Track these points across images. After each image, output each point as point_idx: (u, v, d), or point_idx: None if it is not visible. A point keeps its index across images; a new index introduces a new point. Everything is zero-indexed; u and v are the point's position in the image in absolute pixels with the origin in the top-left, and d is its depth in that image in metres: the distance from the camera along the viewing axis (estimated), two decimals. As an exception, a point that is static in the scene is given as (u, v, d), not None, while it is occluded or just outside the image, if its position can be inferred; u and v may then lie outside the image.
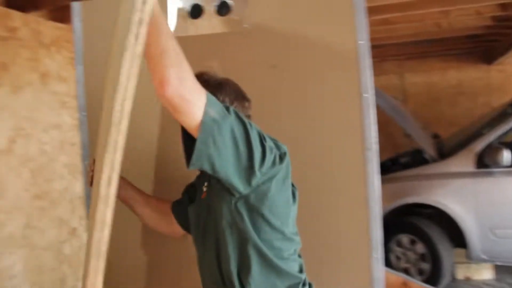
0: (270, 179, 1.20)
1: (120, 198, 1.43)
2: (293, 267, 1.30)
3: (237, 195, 1.19)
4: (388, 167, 4.47)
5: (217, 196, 1.24)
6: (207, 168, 1.10)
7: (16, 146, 2.96)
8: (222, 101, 1.21)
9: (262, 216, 1.21)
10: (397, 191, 4.05)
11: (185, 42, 1.76)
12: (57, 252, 3.27)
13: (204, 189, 1.34)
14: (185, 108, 1.02)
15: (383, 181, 4.19)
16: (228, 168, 1.11)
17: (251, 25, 1.71)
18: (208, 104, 1.05)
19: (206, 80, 1.25)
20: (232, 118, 1.10)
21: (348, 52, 1.61)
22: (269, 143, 1.19)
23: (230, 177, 1.13)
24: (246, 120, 1.15)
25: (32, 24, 3.00)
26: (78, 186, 3.33)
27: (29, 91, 3.02)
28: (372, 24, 4.24)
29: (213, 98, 1.10)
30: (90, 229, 1.06)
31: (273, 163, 1.19)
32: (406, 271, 3.95)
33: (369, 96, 1.60)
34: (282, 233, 1.26)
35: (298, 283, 1.29)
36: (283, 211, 1.27)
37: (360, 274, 1.65)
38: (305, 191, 1.69)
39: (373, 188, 1.61)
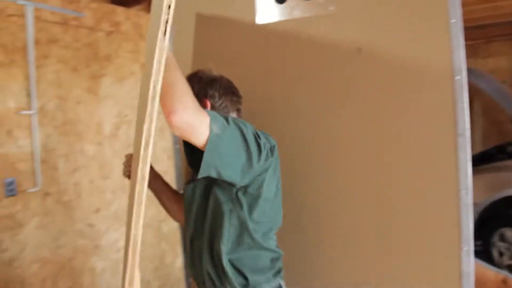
0: (265, 170, 1.36)
1: (152, 189, 1.62)
2: (273, 244, 1.48)
3: (238, 187, 1.35)
4: (492, 156, 4.14)
5: (219, 186, 1.38)
6: (213, 174, 1.26)
7: (120, 132, 3.23)
8: (211, 96, 1.44)
9: (257, 203, 1.37)
10: (501, 182, 3.73)
11: (271, 29, 1.80)
12: (156, 230, 3.53)
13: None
14: (192, 132, 1.17)
15: (487, 170, 3.92)
16: (231, 171, 1.28)
17: (336, 7, 1.68)
18: (211, 123, 1.18)
19: (199, 77, 1.47)
20: (231, 128, 1.25)
21: (439, 32, 1.51)
22: (262, 140, 1.33)
23: (233, 177, 1.29)
24: (241, 124, 1.29)
25: (133, 18, 3.23)
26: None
27: (131, 81, 3.26)
28: (475, 3, 3.92)
29: (213, 113, 1.23)
30: (127, 226, 1.16)
31: (266, 156, 1.34)
32: (510, 268, 3.66)
33: (462, 79, 1.50)
34: (269, 216, 1.43)
35: (278, 257, 1.48)
36: (273, 197, 1.43)
37: (448, 267, 1.57)
38: (392, 179, 1.65)
39: (465, 176, 1.51)
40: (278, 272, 1.49)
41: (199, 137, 1.18)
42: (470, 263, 1.54)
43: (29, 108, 2.60)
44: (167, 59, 1.11)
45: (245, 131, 1.28)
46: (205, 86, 1.45)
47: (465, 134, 1.51)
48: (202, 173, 1.24)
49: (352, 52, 1.65)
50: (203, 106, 1.40)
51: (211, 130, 1.18)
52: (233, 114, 1.51)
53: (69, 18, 2.77)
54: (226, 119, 1.25)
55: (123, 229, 3.24)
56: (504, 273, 2.39)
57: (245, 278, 1.40)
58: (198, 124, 1.17)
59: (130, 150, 3.24)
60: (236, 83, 1.57)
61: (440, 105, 1.54)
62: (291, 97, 1.81)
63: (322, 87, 1.74)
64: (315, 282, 1.80)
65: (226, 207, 1.37)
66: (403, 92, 1.60)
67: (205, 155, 1.19)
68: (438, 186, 1.57)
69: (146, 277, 3.38)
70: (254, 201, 1.37)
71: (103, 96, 3.07)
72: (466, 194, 1.52)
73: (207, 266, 1.42)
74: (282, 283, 1.50)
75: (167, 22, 1.07)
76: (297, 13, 1.77)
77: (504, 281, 2.36)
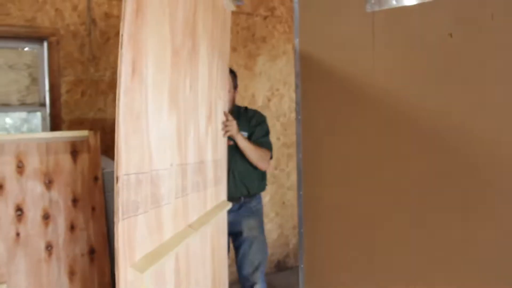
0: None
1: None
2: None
3: None
4: None
5: None
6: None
7: (271, 104, 3.70)
8: (236, 86, 2.54)
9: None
10: None
11: (377, 17, 1.95)
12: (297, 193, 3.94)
13: (231, 142, 2.31)
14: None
15: None
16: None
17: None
18: (271, 149, 2.51)
19: (234, 73, 2.52)
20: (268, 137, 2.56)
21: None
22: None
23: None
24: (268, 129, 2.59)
25: (287, 3, 3.61)
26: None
27: (283, 59, 3.68)
28: None
29: (268, 138, 2.56)
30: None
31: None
32: None
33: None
34: None
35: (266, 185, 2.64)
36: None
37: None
38: (456, 160, 1.70)
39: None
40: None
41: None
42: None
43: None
44: (246, 146, 2.34)
45: (269, 134, 2.59)
46: (235, 79, 2.49)
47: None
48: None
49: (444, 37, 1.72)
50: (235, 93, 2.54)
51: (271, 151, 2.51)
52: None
53: (231, 6, 3.29)
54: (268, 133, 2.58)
55: (270, 188, 3.73)
56: None
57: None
58: (269, 157, 2.49)
59: (280, 121, 3.71)
60: (342, 66, 1.82)
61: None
62: (393, 80, 1.96)
63: (419, 72, 1.85)
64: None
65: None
66: (485, 78, 1.62)
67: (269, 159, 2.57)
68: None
69: (285, 232, 3.84)
70: None
71: (257, 72, 3.57)
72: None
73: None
74: None
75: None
76: (398, 3, 1.90)
77: None
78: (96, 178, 1.79)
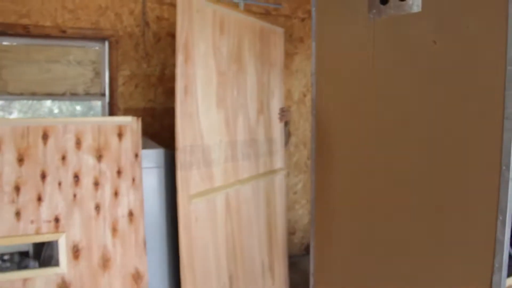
0: None
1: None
2: None
3: None
4: None
5: None
6: None
7: (307, 99, 4.00)
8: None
9: None
10: None
11: (377, 25, 2.21)
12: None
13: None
14: None
15: None
16: None
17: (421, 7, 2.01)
18: None
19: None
20: None
21: (497, 30, 1.71)
22: None
23: None
24: None
25: (325, 6, 3.88)
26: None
27: (319, 58, 3.97)
28: None
29: None
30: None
31: None
32: None
33: (514, 68, 1.67)
34: None
35: None
36: None
37: (485, 234, 1.78)
38: (438, 152, 1.94)
39: (507, 155, 1.70)
40: None
41: None
42: (504, 232, 1.74)
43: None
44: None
45: None
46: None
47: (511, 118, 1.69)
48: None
49: (429, 44, 1.96)
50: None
51: None
52: None
53: (270, 9, 3.63)
54: None
55: (302, 176, 4.06)
56: None
57: None
58: None
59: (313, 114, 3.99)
60: (349, 65, 2.14)
61: (493, 91, 1.75)
62: (388, 78, 2.22)
63: (405, 76, 2.10)
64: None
65: None
66: (463, 79, 1.84)
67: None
68: (481, 160, 1.79)
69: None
70: None
71: (294, 70, 3.88)
72: (506, 170, 1.71)
73: None
74: None
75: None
76: (394, 12, 2.15)
77: None
78: (136, 155, 2.21)
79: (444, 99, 1.95)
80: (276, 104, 3.00)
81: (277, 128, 3.02)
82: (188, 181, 2.18)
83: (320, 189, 2.65)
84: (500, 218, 1.74)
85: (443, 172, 1.96)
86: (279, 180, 3.05)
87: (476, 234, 1.83)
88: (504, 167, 1.73)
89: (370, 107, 2.29)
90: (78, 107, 3.59)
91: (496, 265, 1.76)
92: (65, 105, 3.47)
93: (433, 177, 2.00)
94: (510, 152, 1.71)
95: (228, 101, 2.51)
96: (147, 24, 3.21)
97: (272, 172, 2.95)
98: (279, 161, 3.04)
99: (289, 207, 4.00)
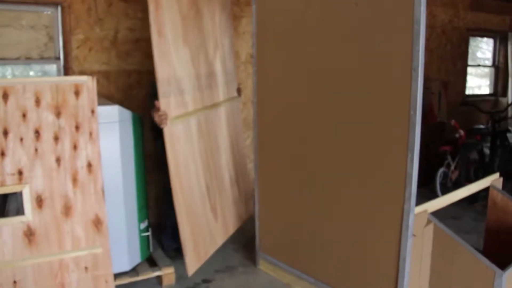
0: None
1: None
2: None
3: None
4: None
5: None
6: None
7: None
8: None
9: None
10: None
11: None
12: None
13: None
14: None
15: None
16: None
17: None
18: None
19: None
20: None
21: None
22: None
23: None
24: None
25: None
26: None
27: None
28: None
29: None
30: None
31: None
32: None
33: (420, 27, 1.96)
34: None
35: None
36: None
37: (396, 169, 2.11)
38: (357, 101, 2.24)
39: (414, 101, 2.02)
40: None
41: None
42: (413, 167, 2.07)
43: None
44: None
45: None
46: None
47: (418, 69, 1.99)
48: None
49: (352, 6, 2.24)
50: None
51: None
52: None
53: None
54: None
55: (250, 132, 4.33)
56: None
57: None
58: None
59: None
60: (285, 30, 2.42)
61: (402, 46, 2.04)
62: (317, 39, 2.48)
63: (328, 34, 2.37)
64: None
65: None
66: (375, 37, 2.14)
67: None
68: (394, 106, 2.10)
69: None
70: None
71: (241, 32, 4.09)
72: (414, 114, 2.03)
73: None
74: None
75: None
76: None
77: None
78: (92, 111, 2.39)
79: (363, 55, 2.25)
80: (227, 42, 3.54)
81: (231, 62, 3.58)
82: (168, 107, 2.68)
83: (262, 142, 2.94)
84: (409, 155, 2.07)
85: (362, 119, 2.28)
86: (236, 105, 3.72)
87: (390, 169, 2.17)
88: (412, 112, 2.04)
89: (303, 64, 2.57)
90: (31, 72, 3.67)
91: (407, 195, 2.10)
92: (19, 70, 3.55)
93: (353, 123, 2.32)
94: (416, 99, 2.02)
95: (191, 39, 2.99)
96: (98, -12, 3.32)
97: (230, 99, 3.56)
98: (233, 90, 3.65)
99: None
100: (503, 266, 2.09)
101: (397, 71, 2.09)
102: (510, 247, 2.68)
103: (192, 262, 2.80)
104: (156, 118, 2.63)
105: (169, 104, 2.69)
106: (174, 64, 2.78)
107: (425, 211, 2.21)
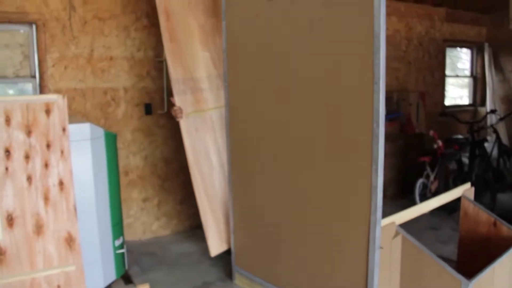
0: None
1: None
2: None
3: None
4: None
5: None
6: None
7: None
8: None
9: None
10: None
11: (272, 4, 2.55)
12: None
13: None
14: None
15: None
16: None
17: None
18: None
19: None
20: None
21: (365, 4, 2.04)
22: None
23: None
24: None
25: None
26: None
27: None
28: None
29: None
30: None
31: None
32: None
33: (380, 40, 2.01)
34: None
35: None
36: None
37: (362, 181, 2.14)
38: (322, 111, 2.29)
39: (377, 114, 2.06)
40: None
41: None
42: (378, 179, 2.10)
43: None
44: None
45: None
46: None
47: (379, 83, 2.04)
48: None
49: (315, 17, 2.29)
50: None
51: None
52: None
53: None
54: None
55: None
56: (494, 217, 2.66)
57: None
58: None
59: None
60: (252, 38, 2.61)
61: (363, 59, 2.08)
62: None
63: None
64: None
65: None
66: (338, 48, 2.19)
67: None
68: (357, 119, 2.15)
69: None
70: None
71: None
72: (377, 127, 2.07)
73: None
74: None
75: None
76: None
77: (494, 224, 2.64)
78: (63, 129, 2.41)
79: (327, 69, 2.30)
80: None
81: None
82: (184, 104, 3.11)
83: (234, 159, 2.97)
84: (374, 167, 2.11)
85: (328, 133, 2.33)
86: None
87: (356, 182, 2.20)
88: (375, 124, 2.08)
89: (270, 78, 2.62)
90: (11, 91, 3.68)
91: (373, 207, 2.13)
92: (-4, 88, 3.56)
93: (319, 137, 2.37)
94: (379, 111, 2.07)
95: (210, 45, 3.40)
96: (72, 7, 3.34)
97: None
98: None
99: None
100: (475, 276, 2.13)
101: (359, 85, 2.14)
102: (482, 256, 2.72)
103: (215, 242, 3.16)
104: (172, 112, 3.07)
105: (183, 101, 3.10)
106: (189, 66, 3.19)
107: (393, 223, 2.24)
